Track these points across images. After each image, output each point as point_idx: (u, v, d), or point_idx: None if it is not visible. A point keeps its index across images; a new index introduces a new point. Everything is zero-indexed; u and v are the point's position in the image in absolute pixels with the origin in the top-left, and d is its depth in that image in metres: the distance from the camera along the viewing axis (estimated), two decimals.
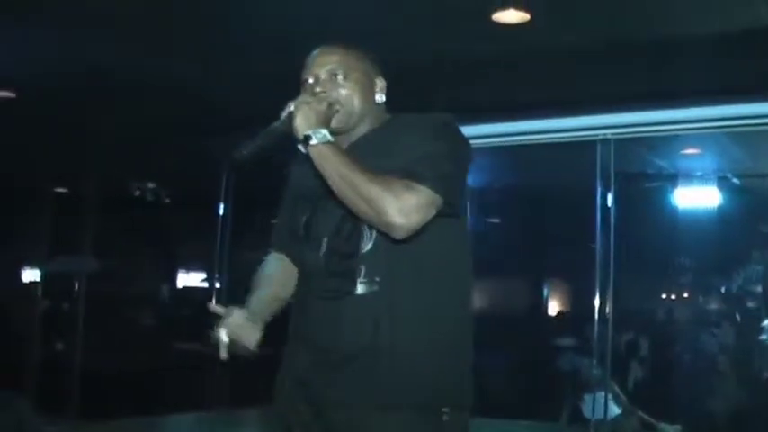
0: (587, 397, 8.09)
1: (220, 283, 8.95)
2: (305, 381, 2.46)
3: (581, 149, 7.02)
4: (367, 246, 2.36)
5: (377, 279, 2.34)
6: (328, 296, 2.40)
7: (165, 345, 11.08)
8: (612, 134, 6.74)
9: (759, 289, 7.09)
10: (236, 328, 2.49)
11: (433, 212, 2.28)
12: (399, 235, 2.25)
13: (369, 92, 2.53)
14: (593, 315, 7.19)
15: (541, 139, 6.93)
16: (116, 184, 10.84)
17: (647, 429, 8.63)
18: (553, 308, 12.06)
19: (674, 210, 9.04)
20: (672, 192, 8.96)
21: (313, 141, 2.29)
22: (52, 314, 10.82)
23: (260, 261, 2.79)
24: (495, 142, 6.92)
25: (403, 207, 2.21)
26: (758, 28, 4.97)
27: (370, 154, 2.38)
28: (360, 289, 2.34)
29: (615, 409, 8.26)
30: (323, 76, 2.51)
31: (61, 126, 7.94)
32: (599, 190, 7.04)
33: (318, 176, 2.34)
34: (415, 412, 2.33)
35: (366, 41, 5.42)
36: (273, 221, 2.80)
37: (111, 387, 8.91)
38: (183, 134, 8.13)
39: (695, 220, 8.92)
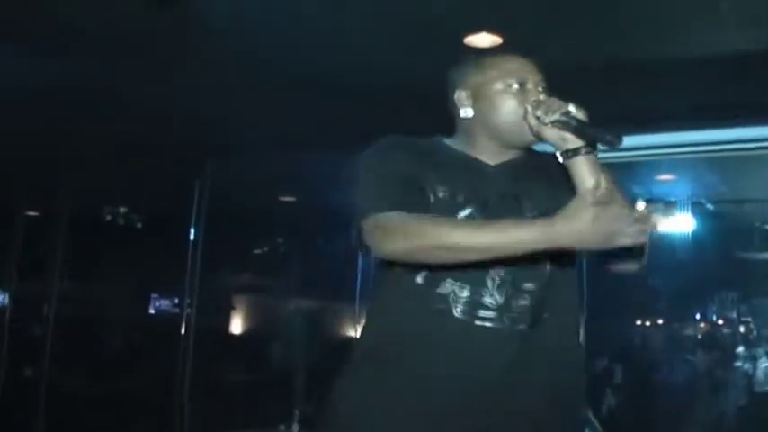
0: None
1: (191, 308, 8.84)
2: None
3: None
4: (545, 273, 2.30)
5: (545, 315, 2.28)
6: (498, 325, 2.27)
7: (134, 369, 10.96)
8: None
9: (734, 315, 7.05)
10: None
11: None
12: (632, 272, 2.29)
13: None
14: None
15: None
16: (88, 207, 10.75)
17: None
18: None
19: (648, 235, 8.98)
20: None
21: (599, 149, 2.23)
22: (20, 338, 10.68)
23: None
24: None
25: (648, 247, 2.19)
26: (734, 53, 4.95)
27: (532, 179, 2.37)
28: (555, 337, 2.29)
29: None
30: (541, 85, 2.47)
31: (33, 149, 7.85)
32: None
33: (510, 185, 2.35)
34: None
35: (335, 64, 5.41)
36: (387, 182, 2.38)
37: (78, 411, 8.77)
38: (155, 158, 8.04)
39: (670, 246, 8.90)
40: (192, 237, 8.65)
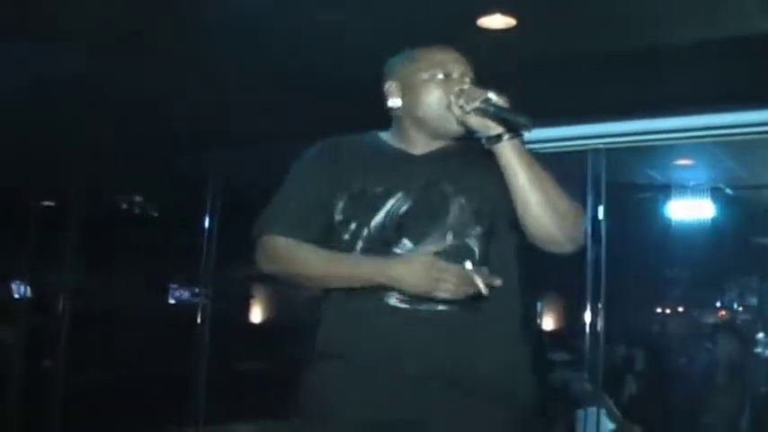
0: (580, 413, 7.99)
1: (207, 299, 8.82)
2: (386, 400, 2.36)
3: (572, 160, 6.90)
4: (475, 256, 2.37)
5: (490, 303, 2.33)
6: (428, 307, 2.34)
7: (150, 361, 10.96)
8: (604, 144, 6.63)
9: (754, 301, 6.98)
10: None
11: None
12: (566, 251, 2.35)
13: None
14: (585, 329, 7.08)
15: (530, 149, 6.72)
16: (102, 197, 10.74)
17: None
18: (546, 323, 11.96)
19: (666, 221, 8.95)
20: (664, 203, 8.87)
21: (506, 136, 2.30)
22: (37, 330, 10.68)
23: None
24: None
25: (582, 225, 2.33)
26: (752, 34, 4.88)
27: (467, 168, 2.45)
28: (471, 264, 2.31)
29: (609, 425, 8.15)
30: (464, 74, 2.52)
31: (48, 140, 7.83)
32: (590, 201, 6.93)
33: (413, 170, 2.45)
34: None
35: (344, 49, 5.35)
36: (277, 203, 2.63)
37: (95, 404, 8.77)
38: (170, 147, 8.01)
39: (688, 232, 8.83)
40: (206, 225, 8.61)
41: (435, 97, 2.46)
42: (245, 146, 7.78)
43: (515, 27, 4.83)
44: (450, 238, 2.36)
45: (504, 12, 4.67)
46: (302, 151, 2.67)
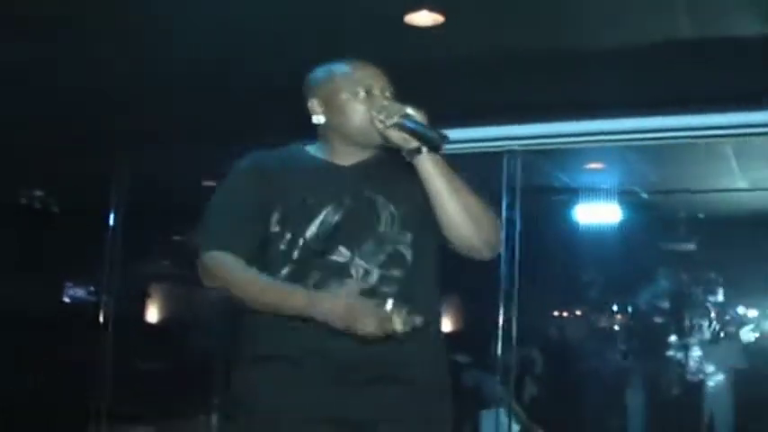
0: (486, 414, 8.01)
1: (107, 297, 8.63)
2: (325, 397, 2.45)
3: (486, 161, 6.89)
4: (407, 261, 2.52)
5: (409, 295, 2.43)
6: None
7: (50, 362, 10.71)
8: (520, 145, 6.62)
9: (665, 305, 7.07)
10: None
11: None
12: (485, 257, 2.51)
13: None
14: (497, 331, 7.09)
15: (445, 149, 6.69)
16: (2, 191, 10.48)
17: None
18: (452, 324, 11.95)
19: (578, 224, 9.03)
20: (576, 206, 8.95)
21: (438, 148, 2.43)
22: None
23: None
24: None
25: (498, 231, 2.51)
26: (667, 40, 4.92)
27: (387, 178, 2.57)
28: (391, 304, 2.35)
29: (514, 427, 8.19)
30: (380, 88, 2.62)
31: None
32: (504, 203, 6.93)
33: (350, 181, 2.56)
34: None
35: (269, 47, 5.25)
36: (214, 218, 2.67)
37: None
38: (73, 140, 7.82)
39: (599, 236, 8.92)
40: (111, 222, 8.43)
41: (358, 114, 2.57)
42: (151, 143, 7.64)
43: (443, 23, 4.76)
44: (375, 277, 2.48)
45: (432, 8, 4.60)
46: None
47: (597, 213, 8.92)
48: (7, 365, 9.79)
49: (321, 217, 2.53)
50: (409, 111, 2.43)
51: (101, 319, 8.49)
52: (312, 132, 2.71)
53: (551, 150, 6.89)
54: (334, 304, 2.35)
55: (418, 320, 2.34)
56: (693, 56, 5.15)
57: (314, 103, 2.66)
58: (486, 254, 2.51)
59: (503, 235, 2.66)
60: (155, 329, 13.75)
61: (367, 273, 2.49)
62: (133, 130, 7.32)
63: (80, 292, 13.29)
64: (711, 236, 9.85)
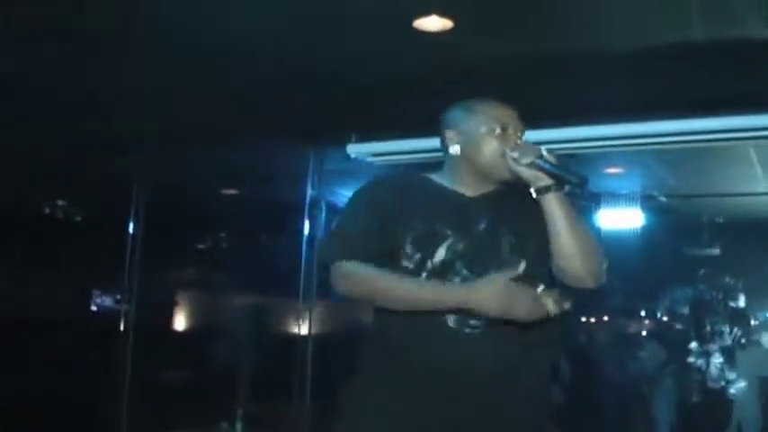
0: None
1: (129, 305, 8.64)
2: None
3: None
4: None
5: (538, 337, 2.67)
6: (478, 332, 2.66)
7: (75, 369, 10.74)
8: None
9: (685, 311, 7.00)
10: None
11: None
12: (589, 286, 2.72)
13: None
14: None
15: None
16: (25, 201, 10.52)
17: None
18: None
19: (597, 230, 8.97)
20: (595, 211, 8.90)
21: (566, 188, 2.71)
22: None
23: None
24: (408, 159, 6.66)
25: (603, 264, 2.73)
26: (687, 43, 4.85)
27: (509, 213, 2.79)
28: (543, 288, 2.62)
29: None
30: (519, 131, 2.90)
31: None
32: None
33: (476, 213, 2.79)
34: None
35: (279, 49, 5.24)
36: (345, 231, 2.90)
37: (13, 413, 8.54)
38: (94, 151, 7.84)
39: (618, 241, 8.86)
40: (131, 230, 8.44)
41: (492, 148, 2.82)
42: (171, 149, 7.66)
43: (452, 29, 4.72)
44: (522, 266, 2.64)
45: (441, 14, 4.56)
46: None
47: (617, 218, 8.86)
48: (26, 372, 9.84)
49: (448, 242, 2.74)
50: (544, 152, 2.71)
51: (121, 328, 8.49)
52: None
53: (566, 155, 6.84)
54: (492, 289, 2.55)
55: (567, 305, 2.58)
56: (712, 58, 5.08)
57: (450, 135, 2.93)
58: (590, 284, 2.73)
59: (605, 266, 2.73)
60: (178, 337, 13.77)
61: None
62: (153, 138, 7.33)
63: (107, 301, 13.34)
64: (734, 241, 9.78)
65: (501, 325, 2.63)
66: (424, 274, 2.72)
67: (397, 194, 2.86)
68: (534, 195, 2.73)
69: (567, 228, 2.69)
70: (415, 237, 2.75)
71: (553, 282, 2.79)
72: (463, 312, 2.64)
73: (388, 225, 2.78)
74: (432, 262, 2.72)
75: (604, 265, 2.75)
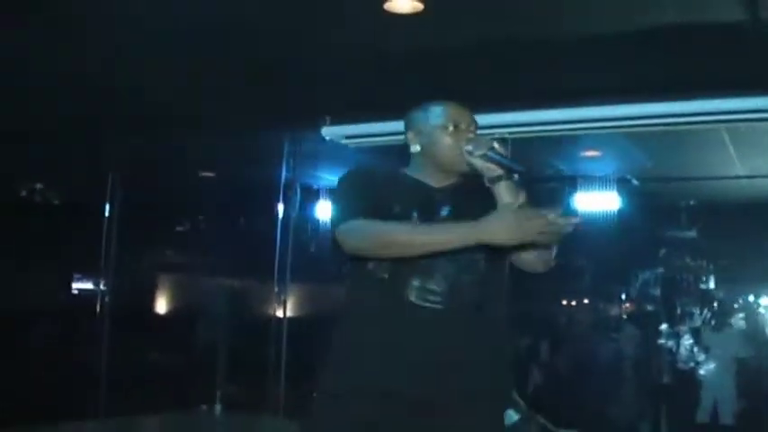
0: None
1: (106, 286, 8.62)
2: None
3: None
4: (494, 278, 2.98)
5: (497, 301, 2.98)
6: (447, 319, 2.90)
7: (50, 353, 10.74)
8: (510, 133, 6.58)
9: (658, 293, 7.04)
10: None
11: None
12: (539, 271, 2.96)
13: None
14: None
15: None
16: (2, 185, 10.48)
17: None
18: None
19: (573, 213, 8.99)
20: (571, 194, 8.92)
21: (515, 177, 2.92)
22: None
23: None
24: (382, 141, 6.67)
25: (552, 252, 2.93)
26: (658, 27, 4.87)
27: (473, 201, 2.93)
28: (488, 309, 2.93)
29: (513, 416, 8.16)
30: (473, 126, 3.12)
31: None
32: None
33: (452, 204, 3.00)
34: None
35: (249, 35, 5.23)
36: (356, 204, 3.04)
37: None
38: (70, 133, 7.81)
39: (594, 224, 8.88)
40: (107, 214, 8.41)
41: (447, 144, 3.07)
42: (147, 134, 7.64)
43: (422, 11, 4.72)
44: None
45: None
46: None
47: (594, 201, 8.88)
48: (8, 357, 9.82)
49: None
50: (495, 145, 2.96)
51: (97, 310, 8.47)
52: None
53: (544, 138, 6.84)
54: (501, 222, 2.70)
55: (576, 219, 2.74)
56: (686, 42, 5.10)
57: (411, 135, 3.18)
58: (540, 269, 2.97)
59: (554, 252, 2.94)
60: (155, 320, 13.77)
61: (447, 275, 2.93)
62: (130, 120, 7.32)
63: (84, 284, 13.33)
64: (709, 224, 9.83)
65: (460, 296, 2.91)
66: None
67: (379, 179, 3.13)
68: (487, 184, 2.97)
69: None
70: (390, 218, 2.94)
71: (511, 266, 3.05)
72: (424, 287, 2.90)
73: (376, 200, 2.99)
74: None
75: (553, 252, 2.95)
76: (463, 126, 3.10)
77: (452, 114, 3.13)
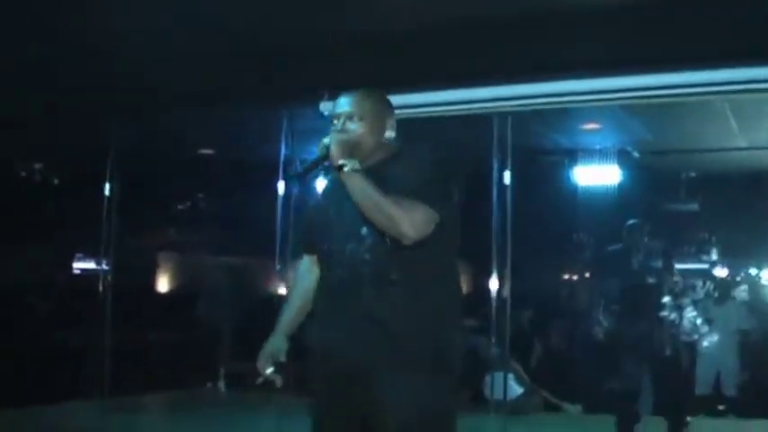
0: (487, 377, 8.01)
1: (107, 266, 8.61)
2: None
3: (476, 123, 6.83)
4: (381, 250, 3.04)
5: (392, 277, 3.04)
6: (352, 289, 3.06)
7: (54, 332, 10.75)
8: (510, 107, 6.56)
9: (659, 265, 7.03)
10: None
11: (433, 226, 2.97)
12: (408, 242, 2.95)
13: (379, 131, 3.18)
14: (491, 294, 7.06)
15: (434, 111, 6.67)
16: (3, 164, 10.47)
17: (550, 408, 8.61)
18: None
19: (573, 186, 8.99)
20: (571, 167, 8.91)
21: (346, 168, 2.96)
22: None
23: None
24: None
25: (413, 221, 2.93)
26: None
27: (381, 180, 3.00)
28: (375, 283, 3.03)
29: (517, 389, 8.19)
30: (342, 117, 3.15)
31: None
32: (495, 165, 6.88)
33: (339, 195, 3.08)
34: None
35: (247, 13, 5.22)
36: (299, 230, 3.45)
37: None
38: (69, 113, 7.80)
39: (595, 197, 8.87)
40: (107, 192, 8.39)
41: None
42: (146, 112, 7.62)
43: None
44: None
45: None
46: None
47: (594, 175, 8.86)
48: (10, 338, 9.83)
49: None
50: (325, 139, 3.06)
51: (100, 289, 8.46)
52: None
53: (544, 111, 6.82)
54: None
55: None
56: (686, 12, 5.09)
57: None
58: (405, 241, 2.96)
59: (418, 219, 2.97)
60: (158, 298, 13.77)
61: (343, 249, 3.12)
62: (129, 100, 7.31)
63: (86, 263, 13.34)
64: (710, 195, 9.81)
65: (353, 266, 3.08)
66: None
67: None
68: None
69: (358, 200, 2.98)
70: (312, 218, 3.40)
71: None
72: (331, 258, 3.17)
73: None
74: None
75: (406, 224, 2.94)
76: (335, 120, 3.21)
77: (334, 105, 3.25)
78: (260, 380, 3.29)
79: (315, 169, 3.14)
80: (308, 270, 3.40)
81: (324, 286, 3.24)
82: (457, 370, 3.13)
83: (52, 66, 6.44)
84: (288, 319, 3.37)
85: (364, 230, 3.08)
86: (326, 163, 3.06)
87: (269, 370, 3.25)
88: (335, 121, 3.17)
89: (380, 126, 3.19)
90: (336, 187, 3.14)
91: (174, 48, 5.99)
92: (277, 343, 3.31)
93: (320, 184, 3.36)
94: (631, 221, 7.23)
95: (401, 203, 2.94)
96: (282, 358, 3.28)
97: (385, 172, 3.11)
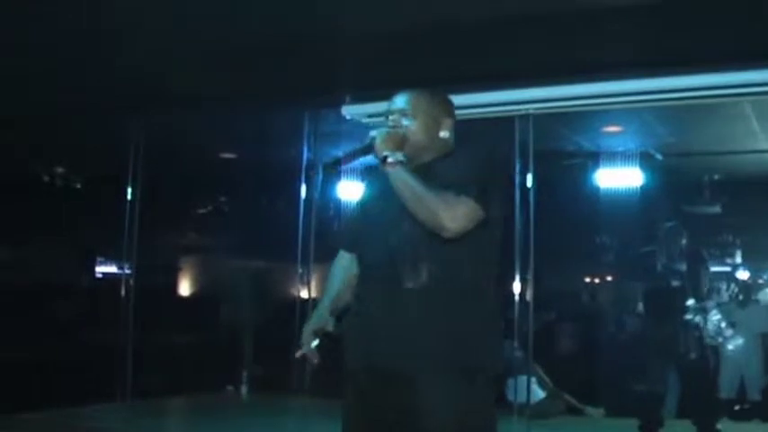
0: (510, 380, 7.99)
1: (130, 269, 8.63)
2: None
3: (499, 126, 6.82)
4: (423, 247, 3.03)
5: (430, 272, 3.02)
6: (390, 285, 3.05)
7: (79, 335, 10.77)
8: (533, 109, 6.56)
9: (683, 268, 6.99)
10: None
11: (475, 222, 2.96)
12: (449, 236, 2.95)
13: (432, 130, 3.19)
14: (514, 298, 7.05)
15: (459, 114, 6.60)
16: (23, 169, 10.50)
17: (573, 412, 8.58)
18: None
19: (595, 188, 8.97)
20: (593, 170, 8.89)
21: (390, 160, 3.01)
22: None
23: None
24: None
25: (455, 215, 2.93)
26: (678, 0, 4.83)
27: (430, 177, 3.03)
28: (414, 280, 3.02)
29: (540, 393, 8.18)
30: (396, 114, 3.18)
31: None
32: (517, 168, 6.87)
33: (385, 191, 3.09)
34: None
35: (270, 15, 5.22)
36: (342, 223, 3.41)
37: (18, 378, 8.57)
38: (93, 116, 7.83)
39: (617, 199, 8.85)
40: (129, 196, 8.41)
41: None
42: (169, 115, 7.65)
43: None
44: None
45: None
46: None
47: (617, 177, 8.84)
48: (29, 340, 9.87)
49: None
50: (372, 133, 3.08)
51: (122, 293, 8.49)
52: None
53: (566, 114, 6.81)
54: None
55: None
56: (708, 13, 5.07)
57: None
58: (445, 234, 2.96)
59: (460, 213, 2.97)
60: (180, 302, 13.78)
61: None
62: (151, 103, 7.33)
63: (108, 267, 13.37)
64: (733, 197, 9.75)
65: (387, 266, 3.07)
66: None
67: None
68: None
69: (401, 192, 3.01)
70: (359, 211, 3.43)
71: None
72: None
73: None
74: None
75: (444, 218, 2.94)
76: (389, 116, 3.24)
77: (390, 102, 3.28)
78: (299, 353, 3.25)
79: (356, 158, 3.15)
80: (344, 268, 3.40)
81: (362, 283, 3.23)
82: (497, 373, 3.10)
83: (78, 68, 6.47)
84: (329, 298, 3.35)
85: (407, 226, 3.07)
86: (370, 155, 3.09)
87: (314, 343, 3.22)
88: (390, 117, 3.21)
89: (434, 125, 3.21)
90: (382, 183, 3.14)
91: (198, 51, 6.01)
92: (323, 314, 3.29)
93: (353, 185, 3.29)
94: (670, 223, 7.20)
95: (444, 196, 2.96)
96: (330, 327, 3.25)
97: (435, 170, 3.14)
